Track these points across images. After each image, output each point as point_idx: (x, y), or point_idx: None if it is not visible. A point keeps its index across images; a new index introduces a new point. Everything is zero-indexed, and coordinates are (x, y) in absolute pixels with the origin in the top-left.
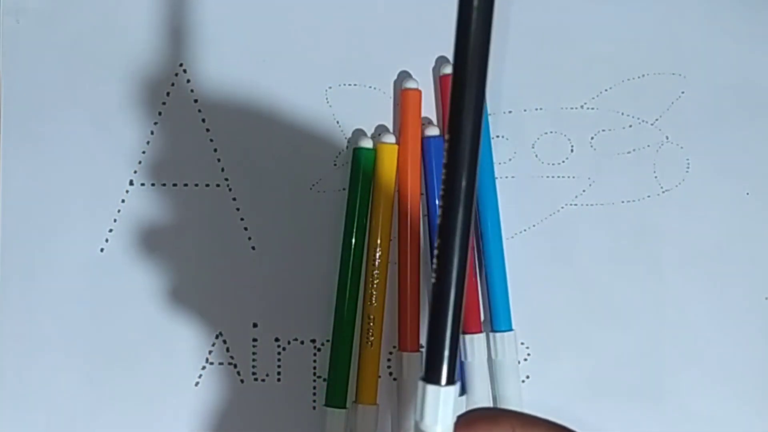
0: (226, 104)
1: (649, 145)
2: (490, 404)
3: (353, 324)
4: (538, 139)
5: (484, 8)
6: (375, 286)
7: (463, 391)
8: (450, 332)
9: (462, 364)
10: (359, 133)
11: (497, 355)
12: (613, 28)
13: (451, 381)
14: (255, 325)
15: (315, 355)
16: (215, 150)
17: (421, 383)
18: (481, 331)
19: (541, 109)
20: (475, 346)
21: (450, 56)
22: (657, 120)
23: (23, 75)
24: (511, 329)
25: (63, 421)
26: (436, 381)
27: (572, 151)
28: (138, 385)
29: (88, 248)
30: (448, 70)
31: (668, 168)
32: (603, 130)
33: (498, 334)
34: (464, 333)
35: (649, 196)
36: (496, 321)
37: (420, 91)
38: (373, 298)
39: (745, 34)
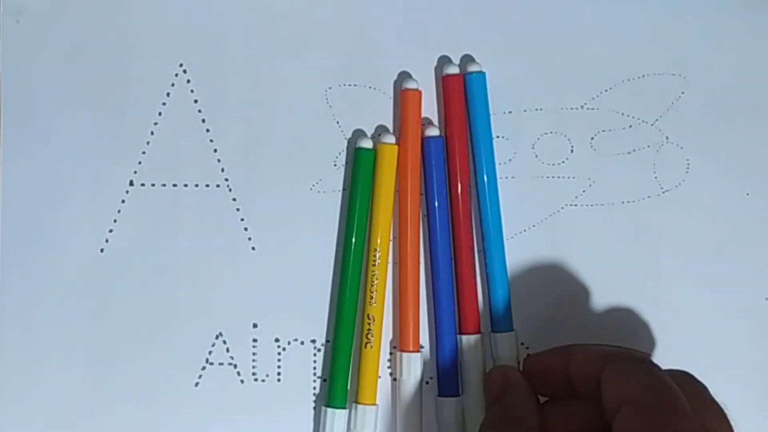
0: (226, 104)
1: (649, 145)
2: (484, 405)
3: (353, 324)
4: (538, 139)
5: None
6: (375, 286)
7: (460, 391)
8: None
9: (459, 364)
10: (359, 134)
11: (498, 356)
12: (613, 28)
13: None
14: (255, 325)
15: (315, 355)
16: (215, 150)
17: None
18: (478, 332)
19: (541, 109)
20: (472, 346)
21: (450, 56)
22: (657, 120)
23: (23, 75)
24: (511, 330)
25: (63, 421)
26: None
27: (572, 151)
28: (138, 385)
29: (88, 248)
30: (450, 70)
31: (668, 168)
32: (603, 130)
33: (498, 335)
34: (462, 333)
35: (649, 196)
36: (497, 321)
37: (420, 92)
38: (373, 298)
39: (745, 34)
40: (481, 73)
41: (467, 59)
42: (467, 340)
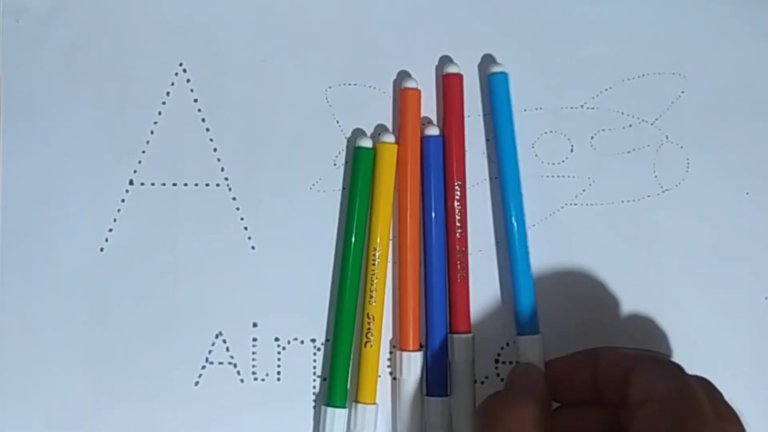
0: (226, 104)
1: (649, 145)
2: (473, 405)
3: (353, 324)
4: (538, 138)
5: None
6: (375, 285)
7: (448, 391)
8: None
9: (449, 364)
10: (359, 133)
11: (523, 359)
12: (613, 28)
13: None
14: (255, 325)
15: (315, 355)
16: (215, 150)
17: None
18: (469, 332)
19: (541, 109)
20: (462, 346)
21: (450, 55)
22: (657, 120)
23: (23, 75)
24: (537, 332)
25: (63, 421)
26: None
27: (572, 151)
28: (138, 385)
29: (88, 248)
30: (451, 69)
31: (668, 168)
32: (603, 130)
33: (523, 338)
34: (452, 333)
35: (649, 196)
36: (522, 324)
37: (419, 91)
38: (373, 297)
39: (745, 34)
40: (504, 74)
41: (488, 60)
42: (458, 339)
